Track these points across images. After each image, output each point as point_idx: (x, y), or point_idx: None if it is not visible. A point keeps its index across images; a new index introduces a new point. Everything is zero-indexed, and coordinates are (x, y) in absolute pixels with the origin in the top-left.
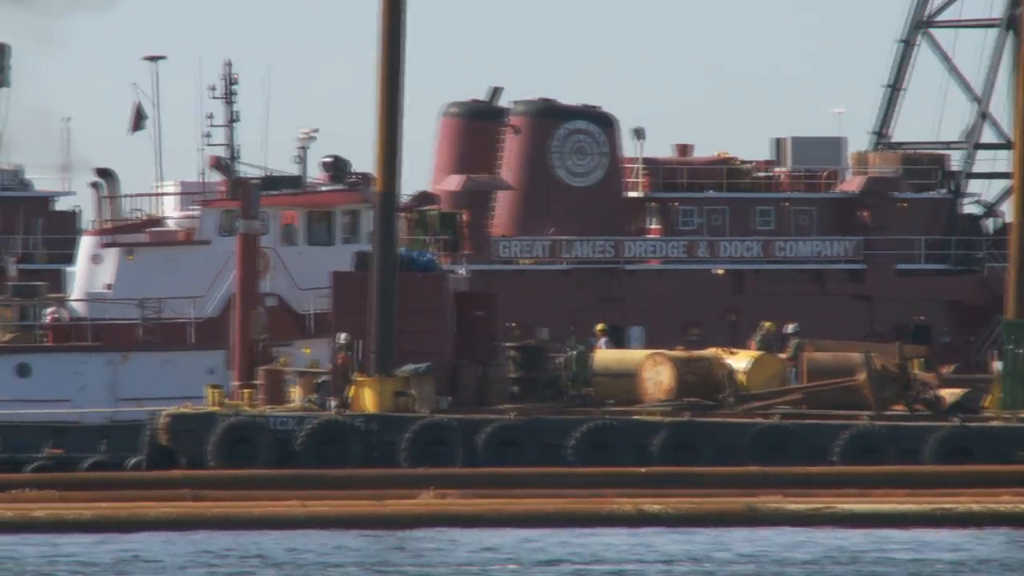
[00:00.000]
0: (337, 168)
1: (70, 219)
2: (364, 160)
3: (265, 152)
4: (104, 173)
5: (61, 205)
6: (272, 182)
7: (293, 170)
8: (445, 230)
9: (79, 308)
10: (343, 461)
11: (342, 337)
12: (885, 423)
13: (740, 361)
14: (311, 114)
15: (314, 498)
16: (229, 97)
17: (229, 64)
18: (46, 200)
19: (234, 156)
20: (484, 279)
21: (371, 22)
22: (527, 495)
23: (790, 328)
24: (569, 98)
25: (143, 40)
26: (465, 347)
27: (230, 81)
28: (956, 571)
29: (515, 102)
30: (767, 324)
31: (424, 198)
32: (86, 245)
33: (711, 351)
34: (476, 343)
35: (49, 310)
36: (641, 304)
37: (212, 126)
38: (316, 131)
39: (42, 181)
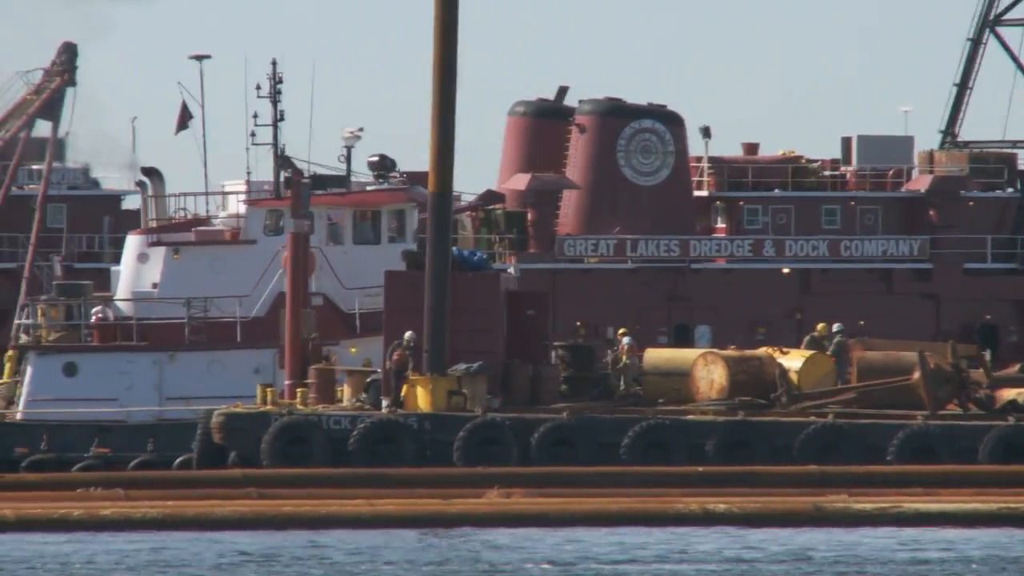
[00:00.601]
0: (383, 167)
1: (138, 218)
2: (409, 159)
3: (309, 151)
4: (150, 172)
5: (128, 204)
6: (318, 181)
7: (338, 169)
8: (511, 229)
9: (124, 307)
10: (397, 461)
11: (407, 335)
12: (940, 422)
13: (792, 360)
14: (356, 113)
15: (376, 497)
16: (275, 96)
17: (275, 63)
18: (117, 199)
19: (282, 155)
20: (550, 278)
21: (419, 21)
22: (590, 494)
23: (835, 327)
24: (636, 97)
25: (187, 38)
26: (516, 346)
27: (276, 80)
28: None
29: (582, 101)
30: (820, 326)
31: (490, 197)
32: (132, 244)
33: (763, 350)
34: (527, 342)
35: (95, 309)
36: (708, 303)
37: (257, 125)
38: (361, 130)
39: (108, 180)
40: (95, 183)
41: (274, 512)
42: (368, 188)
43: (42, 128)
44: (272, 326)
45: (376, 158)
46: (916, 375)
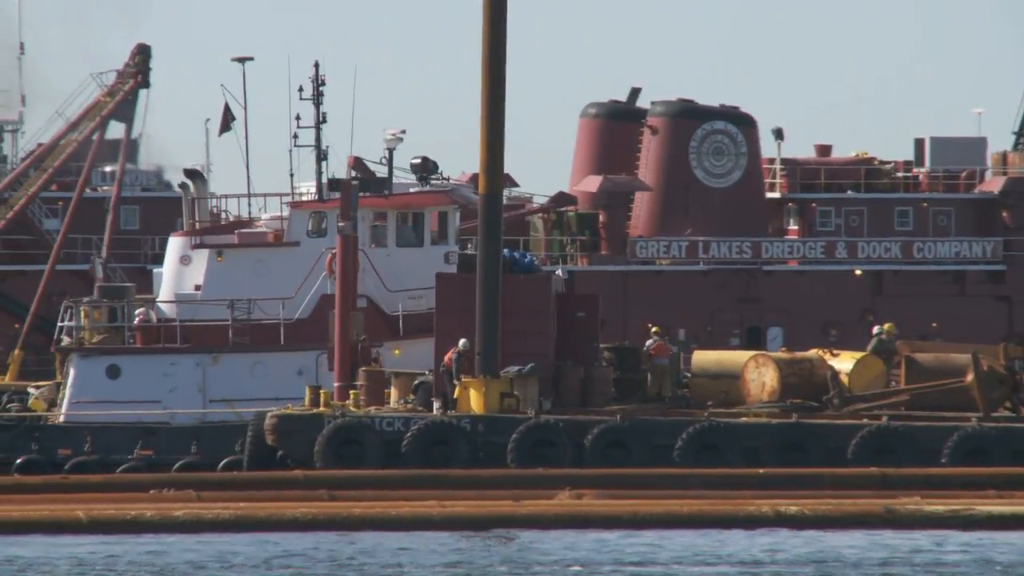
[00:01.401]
0: (426, 169)
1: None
2: (451, 161)
3: (351, 152)
4: (192, 174)
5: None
6: (361, 183)
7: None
8: (583, 231)
9: (167, 309)
10: (450, 462)
11: (461, 343)
12: (994, 424)
13: (843, 363)
14: (398, 115)
15: (449, 498)
16: (317, 98)
17: (317, 65)
18: None
19: (323, 157)
20: (621, 280)
21: (461, 23)
22: (656, 496)
23: (875, 329)
24: (708, 98)
25: (230, 40)
26: (566, 348)
27: (318, 82)
28: None
29: (654, 103)
30: (886, 326)
31: (562, 199)
32: (174, 246)
33: (813, 352)
34: (577, 344)
35: (138, 311)
36: (779, 305)
37: (300, 127)
38: (403, 132)
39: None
40: (168, 185)
41: (346, 514)
42: (411, 190)
43: (115, 130)
44: (315, 328)
45: (418, 160)
46: (970, 377)
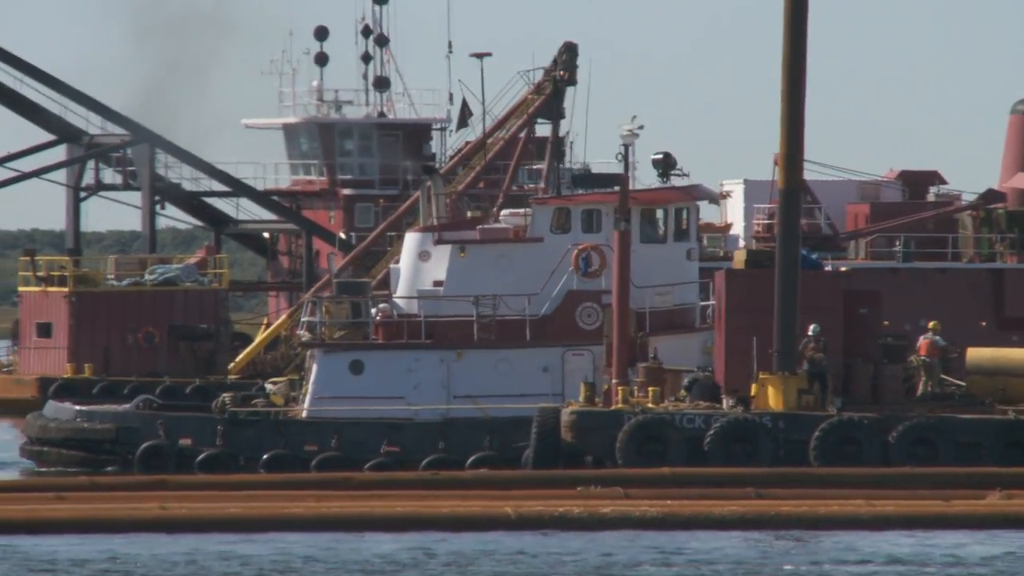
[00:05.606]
0: (667, 165)
1: None
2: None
3: (585, 147)
4: (429, 170)
5: None
6: (595, 180)
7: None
8: (1012, 228)
9: (404, 305)
10: (751, 460)
11: (810, 329)
12: None
13: None
14: (633, 108)
15: (875, 497)
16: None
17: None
18: None
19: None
20: None
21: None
22: None
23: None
24: None
25: (469, 35)
26: (851, 345)
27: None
28: None
29: None
30: None
31: (992, 196)
32: (412, 242)
33: None
34: (862, 341)
35: (381, 307)
36: None
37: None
38: (640, 127)
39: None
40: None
41: (773, 512)
42: (653, 186)
43: (543, 127)
44: (561, 324)
45: (660, 156)
46: None
